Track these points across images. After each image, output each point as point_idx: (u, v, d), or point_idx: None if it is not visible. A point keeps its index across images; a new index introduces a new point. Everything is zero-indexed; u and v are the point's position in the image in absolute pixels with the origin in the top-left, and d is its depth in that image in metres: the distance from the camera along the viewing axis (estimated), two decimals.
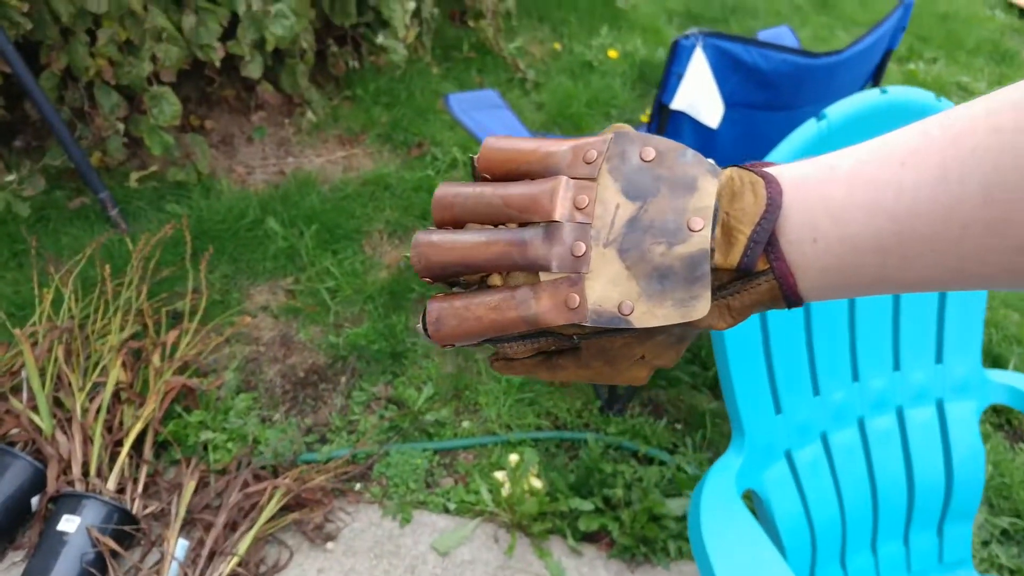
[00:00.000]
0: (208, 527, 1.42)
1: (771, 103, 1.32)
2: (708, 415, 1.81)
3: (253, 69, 2.22)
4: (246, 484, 1.48)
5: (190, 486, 1.45)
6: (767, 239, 0.35)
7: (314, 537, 1.47)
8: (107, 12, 1.92)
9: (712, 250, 0.35)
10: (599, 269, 0.35)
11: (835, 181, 0.34)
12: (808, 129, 0.94)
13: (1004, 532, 1.69)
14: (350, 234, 2.17)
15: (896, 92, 0.97)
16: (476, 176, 0.40)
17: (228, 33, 2.14)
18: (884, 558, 1.22)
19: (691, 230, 0.35)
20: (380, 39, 2.46)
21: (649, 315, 0.35)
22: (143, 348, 1.66)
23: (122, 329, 1.67)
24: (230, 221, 2.11)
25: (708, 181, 0.35)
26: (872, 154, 0.34)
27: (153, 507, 1.44)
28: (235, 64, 2.30)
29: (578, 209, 0.36)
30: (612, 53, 3.13)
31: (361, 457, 1.62)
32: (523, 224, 0.37)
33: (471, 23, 3.05)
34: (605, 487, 1.60)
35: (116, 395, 1.57)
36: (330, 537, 1.48)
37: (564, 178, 0.36)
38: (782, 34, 1.87)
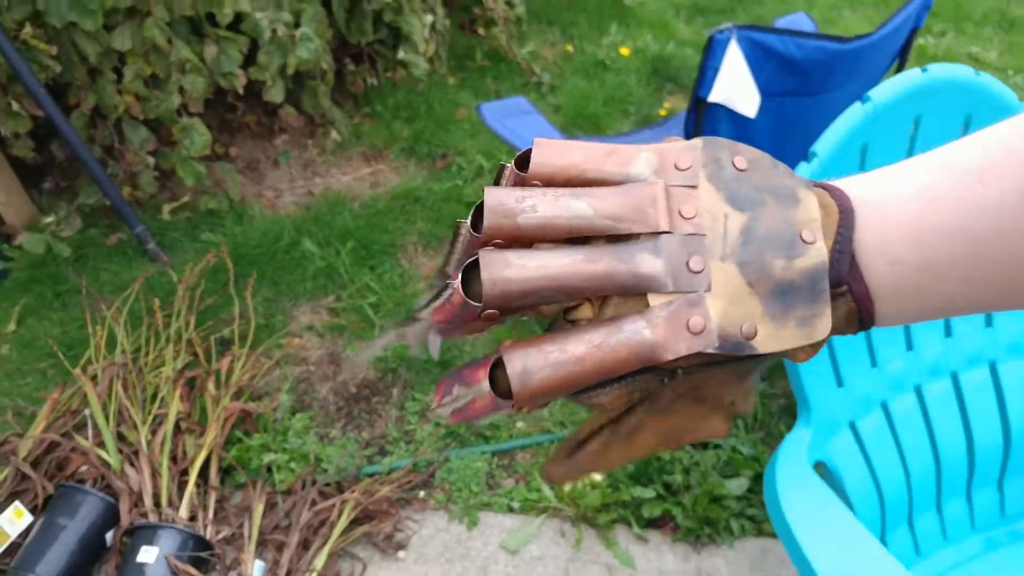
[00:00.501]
0: (281, 547, 1.44)
1: (802, 89, 1.33)
2: (758, 397, 1.81)
3: (275, 93, 2.24)
4: (314, 502, 1.50)
5: (259, 508, 1.47)
6: (850, 247, 0.31)
7: (385, 547, 1.48)
8: (131, 48, 1.96)
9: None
10: (719, 287, 0.31)
11: (907, 200, 0.31)
12: (854, 113, 0.95)
13: None
14: (385, 249, 2.19)
15: (936, 70, 0.98)
16: (514, 184, 0.34)
17: (248, 60, 2.17)
18: (949, 516, 1.23)
19: (805, 242, 0.31)
20: (401, 54, 2.48)
21: (773, 338, 0.31)
22: (197, 377, 1.68)
23: (175, 360, 1.70)
24: (266, 245, 2.13)
25: (807, 194, 0.32)
26: (943, 170, 0.31)
27: (225, 532, 1.46)
28: (256, 90, 2.33)
29: (685, 219, 0.31)
30: (624, 51, 3.14)
31: (422, 465, 1.64)
32: (617, 238, 0.32)
33: (482, 31, 3.07)
34: (664, 474, 1.61)
35: (176, 425, 1.60)
36: (401, 546, 1.49)
37: (662, 183, 0.32)
38: (799, 20, 1.88)
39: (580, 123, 2.73)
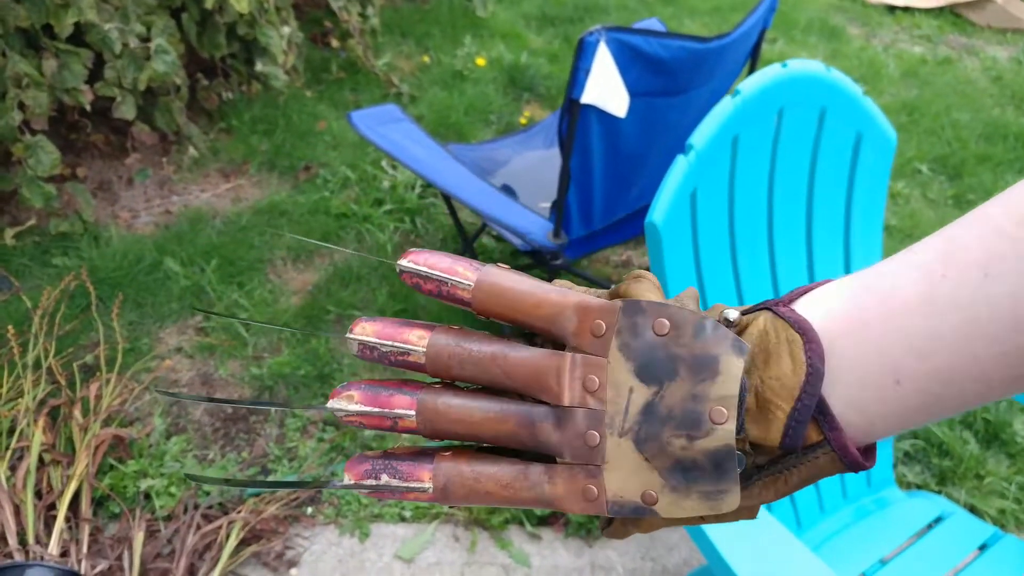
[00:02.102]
0: (166, 574, 1.37)
1: (668, 89, 1.40)
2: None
3: (126, 110, 2.14)
4: (198, 526, 1.44)
5: (139, 537, 1.40)
6: (810, 416, 0.31)
7: (277, 566, 1.44)
8: None
9: (742, 431, 0.32)
10: (615, 460, 0.33)
11: (907, 311, 0.30)
12: (725, 106, 1.02)
13: (906, 454, 1.84)
14: (253, 264, 2.13)
15: (794, 65, 1.07)
16: (410, 287, 0.37)
17: (93, 75, 2.06)
18: (824, 489, 1.32)
19: (714, 422, 0.31)
20: (259, 67, 2.42)
21: (675, 506, 0.32)
22: (61, 405, 1.58)
23: (34, 389, 1.59)
24: (126, 267, 2.03)
25: (732, 362, 0.32)
26: (940, 268, 0.30)
27: (102, 565, 1.38)
28: (102, 107, 2.22)
29: (588, 392, 0.33)
30: (480, 61, 3.19)
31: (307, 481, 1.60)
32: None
33: (336, 43, 3.04)
34: None
35: (40, 458, 1.49)
36: (292, 564, 1.46)
37: (570, 356, 0.34)
38: (653, 25, 1.98)
39: (443, 132, 2.75)
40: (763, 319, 0.33)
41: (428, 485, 0.34)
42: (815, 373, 0.31)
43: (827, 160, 1.17)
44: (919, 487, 1.77)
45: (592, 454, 0.33)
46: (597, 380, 0.33)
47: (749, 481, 0.33)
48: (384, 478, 0.34)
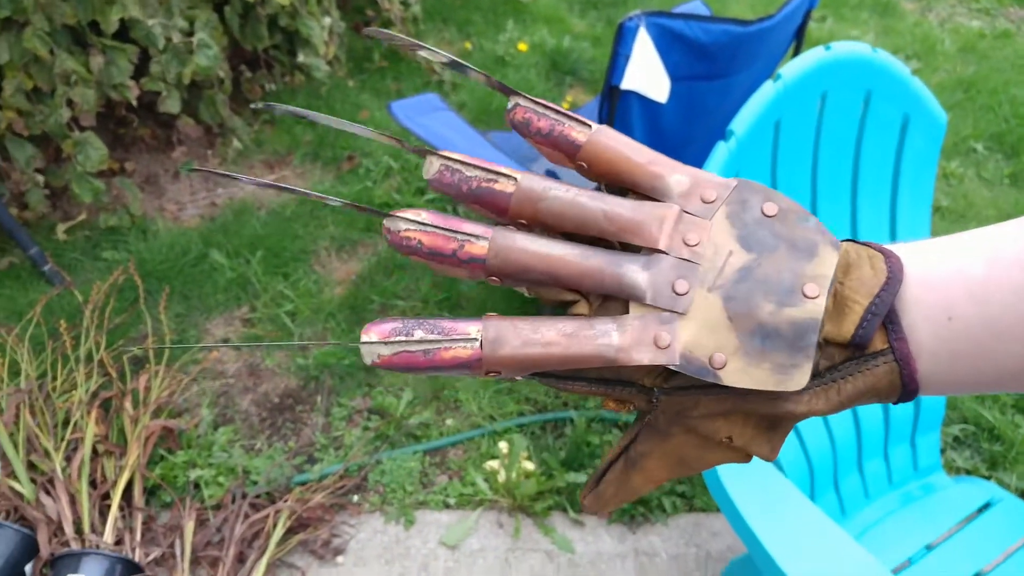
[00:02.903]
0: (216, 563, 1.40)
1: (709, 73, 1.38)
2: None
3: (171, 104, 2.17)
4: (246, 515, 1.46)
5: (189, 526, 1.43)
6: (886, 313, 0.31)
7: (323, 554, 1.46)
8: (10, 61, 1.86)
9: (822, 322, 0.32)
10: (697, 313, 0.32)
11: (972, 257, 0.31)
12: (766, 91, 0.99)
13: (955, 439, 1.80)
14: (297, 255, 2.15)
15: (838, 47, 1.04)
16: (517, 124, 0.35)
17: (138, 70, 2.09)
18: (869, 475, 1.30)
19: (805, 295, 0.31)
20: (301, 58, 2.44)
21: (742, 374, 0.31)
22: (113, 398, 1.62)
23: (87, 382, 1.63)
24: (173, 259, 2.07)
25: (829, 251, 0.32)
26: (1013, 234, 0.31)
27: (155, 553, 1.41)
28: (148, 101, 2.25)
29: (687, 246, 0.33)
30: (522, 46, 3.17)
31: (354, 470, 1.62)
32: (622, 247, 0.34)
33: None
34: (595, 458, 1.64)
35: (94, 449, 1.53)
36: (339, 551, 1.48)
37: (676, 208, 0.33)
38: (697, 7, 1.94)
39: (485, 119, 2.74)
40: (845, 244, 0.34)
41: (476, 337, 0.32)
42: (893, 278, 0.32)
43: (872, 144, 1.14)
44: (968, 472, 1.73)
45: (677, 301, 0.32)
46: (697, 237, 0.33)
47: (807, 383, 0.32)
48: (419, 333, 0.32)
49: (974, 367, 0.31)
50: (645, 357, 0.31)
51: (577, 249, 0.33)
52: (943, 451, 1.75)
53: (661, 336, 0.32)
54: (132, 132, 2.43)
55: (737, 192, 0.34)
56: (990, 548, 1.18)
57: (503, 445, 1.67)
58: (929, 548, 1.19)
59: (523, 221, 0.34)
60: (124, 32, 2.04)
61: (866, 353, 0.32)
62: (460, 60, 0.35)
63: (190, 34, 2.11)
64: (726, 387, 0.32)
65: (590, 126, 0.35)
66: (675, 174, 0.34)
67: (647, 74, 1.24)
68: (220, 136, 2.54)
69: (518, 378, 0.33)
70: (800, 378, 0.31)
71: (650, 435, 0.35)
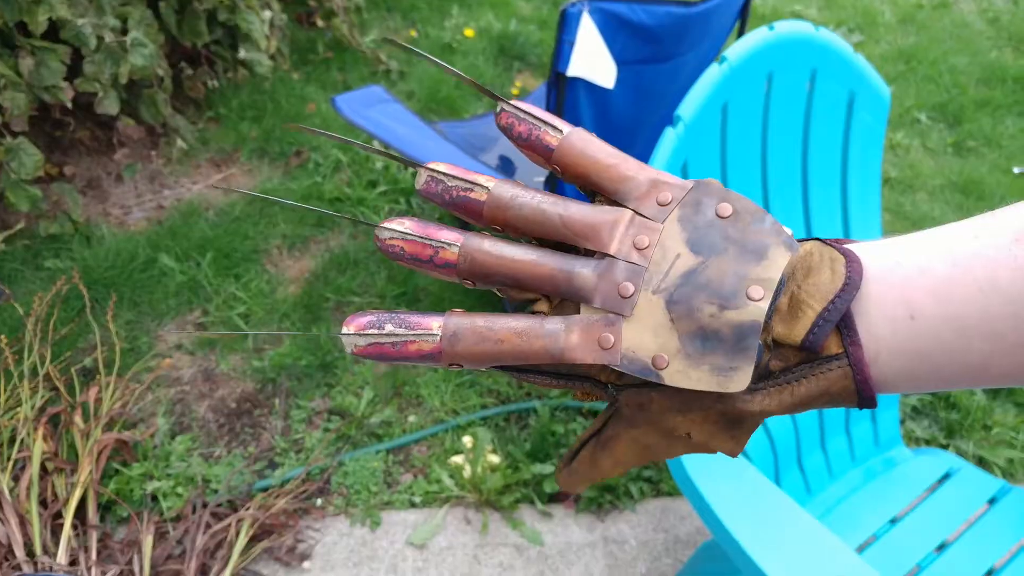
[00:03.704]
0: None
1: (656, 56, 1.36)
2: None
3: (109, 105, 2.10)
4: (208, 525, 1.43)
5: (148, 540, 1.39)
6: (839, 318, 0.32)
7: (289, 560, 1.44)
8: None
9: (768, 323, 0.33)
10: (642, 315, 0.33)
11: (933, 255, 0.32)
12: (712, 74, 0.98)
13: (914, 408, 1.83)
14: (248, 255, 2.10)
15: (782, 27, 1.03)
16: (503, 129, 0.38)
17: (72, 71, 2.02)
18: (832, 452, 1.31)
19: (749, 298, 0.32)
20: (242, 53, 2.38)
21: (682, 375, 0.32)
22: (61, 412, 1.57)
23: (32, 397, 1.58)
24: (120, 265, 2.01)
25: (780, 253, 0.33)
26: (973, 231, 0.32)
27: (113, 571, 1.37)
28: (84, 103, 2.18)
29: (637, 249, 0.34)
30: (468, 32, 3.14)
31: (316, 473, 1.60)
32: (579, 249, 0.36)
33: (321, 23, 2.99)
34: (560, 447, 1.63)
35: (43, 467, 1.48)
36: (305, 557, 1.45)
37: (629, 213, 0.35)
38: None
39: (435, 107, 2.71)
40: (810, 244, 0.34)
41: (436, 332, 0.34)
42: (851, 284, 0.32)
43: (820, 122, 1.14)
44: (927, 442, 1.75)
45: (622, 304, 0.33)
46: (647, 240, 0.34)
47: (757, 385, 0.33)
48: (389, 327, 0.34)
49: (937, 365, 0.32)
50: (589, 357, 0.33)
51: (535, 254, 0.35)
52: (902, 422, 1.78)
53: (605, 337, 0.33)
54: (70, 135, 2.35)
55: (693, 194, 0.35)
56: (952, 518, 1.20)
57: (467, 439, 1.66)
58: (893, 522, 1.20)
59: (497, 228, 0.36)
60: (54, 32, 1.96)
61: (820, 356, 0.32)
62: (481, 86, 0.38)
63: (124, 32, 2.04)
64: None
65: (561, 131, 0.37)
66: (638, 177, 0.35)
67: (592, 60, 1.22)
68: (163, 136, 2.47)
69: (482, 369, 0.35)
70: (740, 380, 0.32)
71: (618, 421, 0.37)
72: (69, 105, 2.02)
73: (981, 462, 1.72)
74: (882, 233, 1.30)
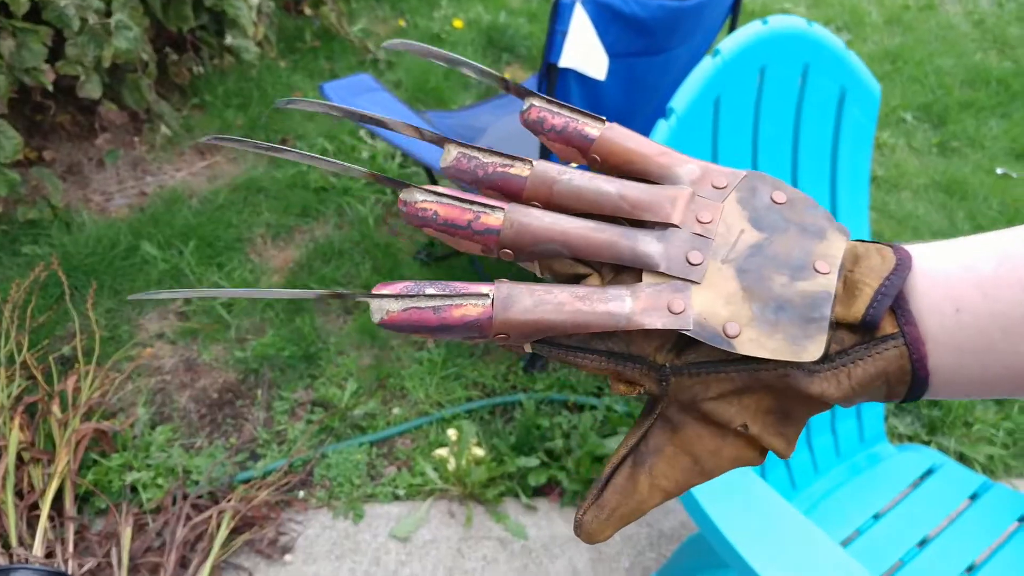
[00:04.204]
0: (156, 569, 1.35)
1: (648, 49, 1.36)
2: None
3: (91, 89, 2.07)
4: (188, 517, 1.41)
5: (127, 532, 1.37)
6: (895, 295, 0.31)
7: (271, 553, 1.42)
8: None
9: (834, 298, 0.32)
10: (712, 283, 0.32)
11: (981, 255, 0.31)
12: (705, 67, 0.98)
13: (897, 405, 1.84)
14: (232, 244, 2.08)
15: (776, 22, 1.03)
16: (531, 123, 0.36)
17: (54, 53, 1.99)
18: (818, 449, 1.31)
19: (817, 271, 0.32)
20: (228, 40, 2.35)
21: (756, 344, 0.31)
22: (39, 401, 1.54)
23: (8, 386, 1.55)
24: (101, 252, 1.98)
25: (837, 235, 0.33)
26: (1020, 233, 0.31)
27: (90, 563, 1.35)
28: (67, 86, 2.15)
29: (700, 223, 0.33)
30: (457, 23, 3.12)
31: (298, 465, 1.58)
32: (636, 224, 0.34)
33: (309, 11, 2.96)
34: (545, 441, 1.62)
35: (19, 457, 1.46)
36: (287, 549, 1.44)
37: (689, 190, 0.34)
38: None
39: (422, 98, 2.69)
40: (852, 242, 0.34)
41: (487, 294, 0.32)
42: (903, 265, 0.32)
43: (811, 117, 1.13)
44: (910, 438, 1.76)
45: (691, 270, 0.32)
46: (710, 216, 0.34)
47: (816, 367, 0.32)
48: (430, 290, 0.32)
49: (981, 363, 0.31)
50: (658, 322, 0.31)
51: (592, 223, 0.33)
52: (886, 419, 1.78)
53: (675, 302, 0.32)
54: (50, 119, 2.32)
55: (747, 180, 0.35)
56: (934, 514, 1.20)
57: (452, 432, 1.65)
58: (876, 517, 1.20)
59: (536, 204, 0.34)
60: (36, 13, 1.93)
61: (876, 337, 0.32)
62: (510, 80, 0.36)
63: (108, 14, 2.01)
64: (738, 363, 0.32)
65: (603, 121, 0.36)
66: (688, 164, 0.35)
67: (585, 51, 1.21)
68: (147, 122, 2.44)
69: (526, 348, 0.33)
70: (814, 349, 0.31)
71: (662, 428, 0.34)
72: (50, 88, 1.99)
73: (962, 458, 1.73)
74: (870, 229, 1.30)
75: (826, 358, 0.32)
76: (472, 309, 0.32)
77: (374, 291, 0.32)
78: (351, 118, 0.36)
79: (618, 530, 0.35)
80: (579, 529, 0.35)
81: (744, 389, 0.32)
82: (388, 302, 0.32)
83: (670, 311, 0.31)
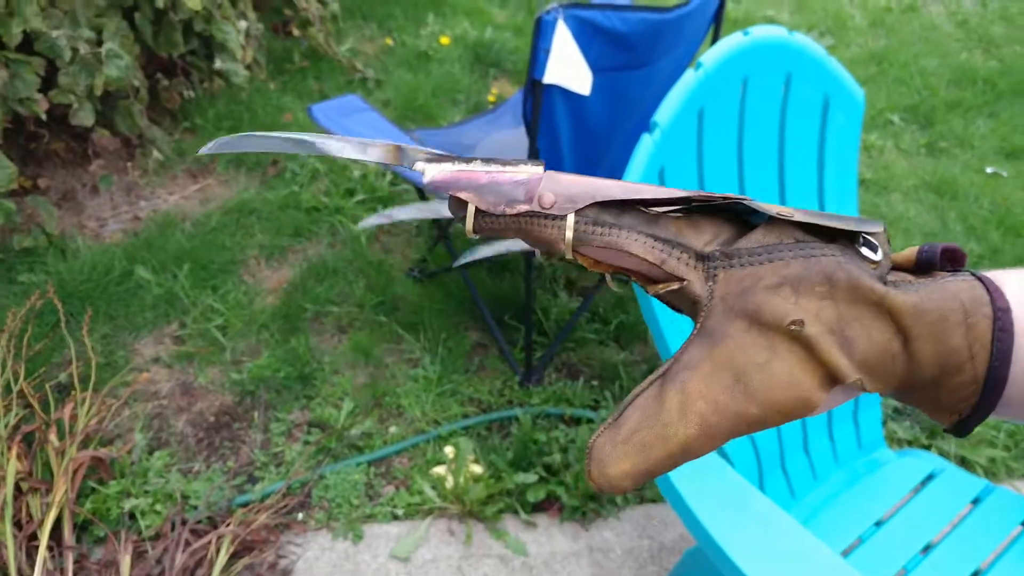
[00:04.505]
0: None
1: (631, 63, 1.36)
2: (620, 366, 1.87)
3: (84, 116, 2.08)
4: (187, 542, 1.41)
5: (126, 560, 1.37)
6: (942, 248, 0.31)
7: None
8: None
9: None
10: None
11: None
12: (688, 80, 0.98)
13: (895, 410, 1.84)
14: (225, 267, 2.08)
15: (757, 32, 1.04)
16: None
17: (47, 82, 2.00)
18: (816, 456, 1.31)
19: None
20: (218, 64, 2.36)
21: (812, 216, 0.30)
22: (36, 430, 1.54)
23: (6, 415, 1.55)
24: (96, 279, 1.98)
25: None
26: None
27: None
28: (60, 114, 2.15)
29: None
30: (444, 40, 3.13)
31: (296, 487, 1.58)
32: None
33: (297, 32, 2.98)
34: (543, 456, 1.62)
35: (17, 487, 1.46)
36: (287, 572, 1.43)
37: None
38: None
39: (411, 115, 2.70)
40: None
41: (541, 163, 0.32)
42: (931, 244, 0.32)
43: (796, 126, 1.14)
44: (909, 443, 1.76)
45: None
46: None
47: (881, 269, 0.30)
48: (495, 165, 0.33)
49: None
50: (716, 196, 0.31)
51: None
52: (884, 423, 1.78)
53: (729, 194, 0.32)
54: (44, 147, 2.32)
55: None
56: (936, 519, 1.20)
57: (449, 450, 1.64)
58: (878, 524, 1.20)
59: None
60: (28, 44, 1.94)
61: (942, 274, 0.31)
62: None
63: (99, 43, 2.02)
64: (794, 248, 0.30)
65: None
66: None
67: (569, 67, 1.22)
68: (139, 147, 2.45)
69: (567, 233, 0.31)
70: (874, 224, 0.30)
71: (700, 343, 0.30)
72: (43, 117, 1.99)
73: (963, 462, 1.73)
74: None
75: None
76: (523, 171, 0.32)
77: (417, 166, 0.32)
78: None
79: (638, 473, 0.29)
80: (589, 457, 0.30)
81: (802, 280, 0.30)
82: (434, 168, 0.32)
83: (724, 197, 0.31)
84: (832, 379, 0.30)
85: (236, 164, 2.46)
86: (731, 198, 0.31)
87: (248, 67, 2.59)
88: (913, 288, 0.29)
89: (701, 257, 0.31)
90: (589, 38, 1.24)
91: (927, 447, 1.75)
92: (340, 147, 0.34)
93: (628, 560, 1.50)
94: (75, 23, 1.98)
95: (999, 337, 0.28)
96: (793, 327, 0.29)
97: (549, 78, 1.23)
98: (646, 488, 1.62)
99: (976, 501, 1.24)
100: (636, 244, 0.31)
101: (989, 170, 2.70)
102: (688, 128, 0.99)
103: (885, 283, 0.30)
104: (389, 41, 3.16)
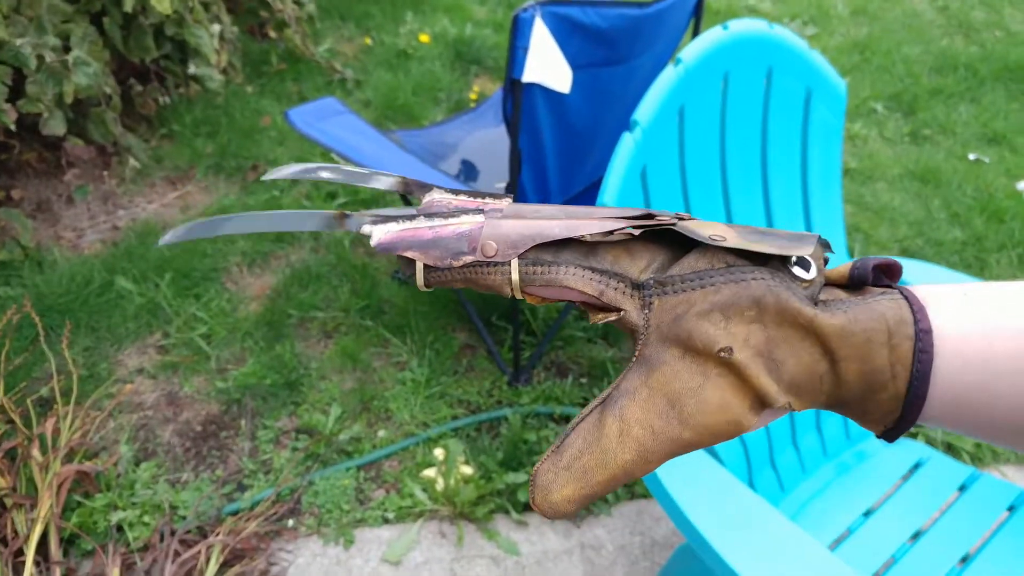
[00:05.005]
0: None
1: (610, 59, 1.35)
2: (609, 363, 1.86)
3: (55, 125, 2.05)
4: (176, 553, 1.39)
5: (114, 573, 1.35)
6: (875, 262, 0.31)
7: None
8: None
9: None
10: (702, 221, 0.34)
11: (998, 285, 0.31)
12: (668, 76, 0.97)
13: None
14: (208, 274, 2.06)
15: (737, 26, 1.03)
16: None
17: (15, 91, 1.97)
18: (804, 449, 1.31)
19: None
20: (192, 69, 2.33)
21: (744, 241, 0.31)
22: (18, 446, 1.52)
23: None
24: (75, 290, 1.96)
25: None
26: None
27: None
28: (30, 124, 2.12)
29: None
30: (424, 38, 3.11)
31: (286, 494, 1.57)
32: None
33: (273, 34, 2.95)
34: (533, 455, 1.62)
35: (0, 503, 1.44)
36: None
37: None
38: None
39: (392, 115, 2.68)
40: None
41: (482, 209, 0.34)
42: (863, 259, 0.32)
43: (778, 119, 1.13)
44: None
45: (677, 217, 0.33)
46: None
47: (810, 289, 0.31)
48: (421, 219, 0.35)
49: (981, 365, 0.29)
50: (647, 221, 0.32)
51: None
52: None
53: (662, 217, 0.33)
54: (15, 157, 2.29)
55: None
56: (923, 508, 1.20)
57: (439, 452, 1.63)
58: (867, 514, 1.20)
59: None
60: None
61: (869, 293, 0.31)
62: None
63: (67, 50, 1.99)
64: (725, 273, 0.31)
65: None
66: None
67: (548, 65, 1.21)
68: (115, 155, 2.42)
69: (512, 274, 0.33)
70: (805, 247, 0.31)
71: (638, 370, 0.32)
72: (13, 127, 1.96)
73: (950, 448, 1.74)
74: (844, 226, 1.30)
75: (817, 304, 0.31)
76: (465, 222, 0.33)
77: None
78: (339, 177, 0.39)
79: (580, 497, 0.30)
80: (533, 484, 0.31)
81: (731, 305, 0.30)
82: (389, 225, 0.33)
83: (656, 219, 0.32)
84: (762, 402, 0.31)
85: (215, 170, 2.43)
86: (663, 224, 0.32)
87: (223, 71, 2.56)
88: (841, 308, 0.30)
89: (636, 286, 0.32)
90: (567, 35, 1.23)
91: (914, 436, 1.75)
92: (279, 222, 0.37)
93: (620, 557, 1.49)
94: (41, 30, 1.95)
95: (919, 359, 0.30)
96: (723, 353, 0.30)
97: (528, 77, 1.22)
98: (634, 484, 1.61)
99: (963, 488, 1.24)
100: (574, 278, 0.32)
101: (972, 157, 2.71)
102: (669, 125, 0.98)
103: (816, 303, 0.31)
104: (368, 40, 3.14)
